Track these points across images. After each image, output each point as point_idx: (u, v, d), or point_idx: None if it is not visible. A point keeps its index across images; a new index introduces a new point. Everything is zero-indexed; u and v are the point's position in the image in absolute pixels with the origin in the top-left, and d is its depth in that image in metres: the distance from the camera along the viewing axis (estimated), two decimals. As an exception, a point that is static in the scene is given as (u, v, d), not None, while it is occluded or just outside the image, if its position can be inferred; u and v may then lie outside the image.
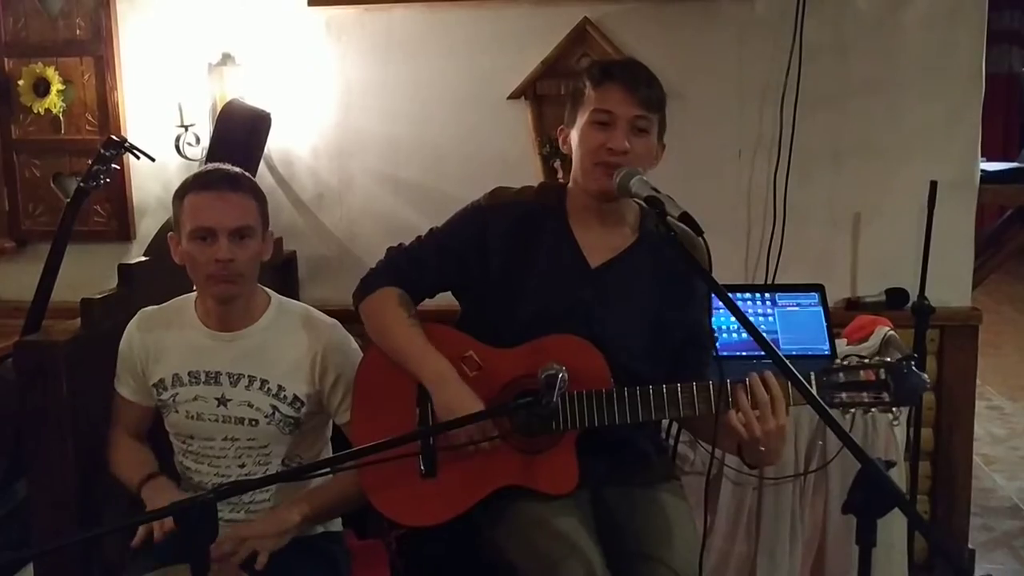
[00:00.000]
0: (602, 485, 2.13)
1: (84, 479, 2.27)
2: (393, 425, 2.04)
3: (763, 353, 1.72)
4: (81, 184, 2.99)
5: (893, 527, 2.76)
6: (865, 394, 1.93)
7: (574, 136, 2.11)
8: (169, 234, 2.18)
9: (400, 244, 2.25)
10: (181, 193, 2.12)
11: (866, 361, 1.94)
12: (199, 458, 2.23)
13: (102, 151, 3.01)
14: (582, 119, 2.08)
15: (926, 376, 1.95)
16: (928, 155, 3.23)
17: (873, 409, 1.94)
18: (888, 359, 1.95)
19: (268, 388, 2.18)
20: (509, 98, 3.34)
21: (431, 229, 2.23)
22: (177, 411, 2.21)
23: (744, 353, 2.85)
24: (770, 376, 1.92)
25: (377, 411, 2.13)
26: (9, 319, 3.08)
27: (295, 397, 2.19)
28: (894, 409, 1.94)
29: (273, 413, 2.18)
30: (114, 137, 3.11)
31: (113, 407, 2.31)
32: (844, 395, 1.93)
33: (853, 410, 1.94)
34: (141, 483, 2.19)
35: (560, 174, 3.22)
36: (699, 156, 3.27)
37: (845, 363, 1.94)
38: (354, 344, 2.28)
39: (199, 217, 2.08)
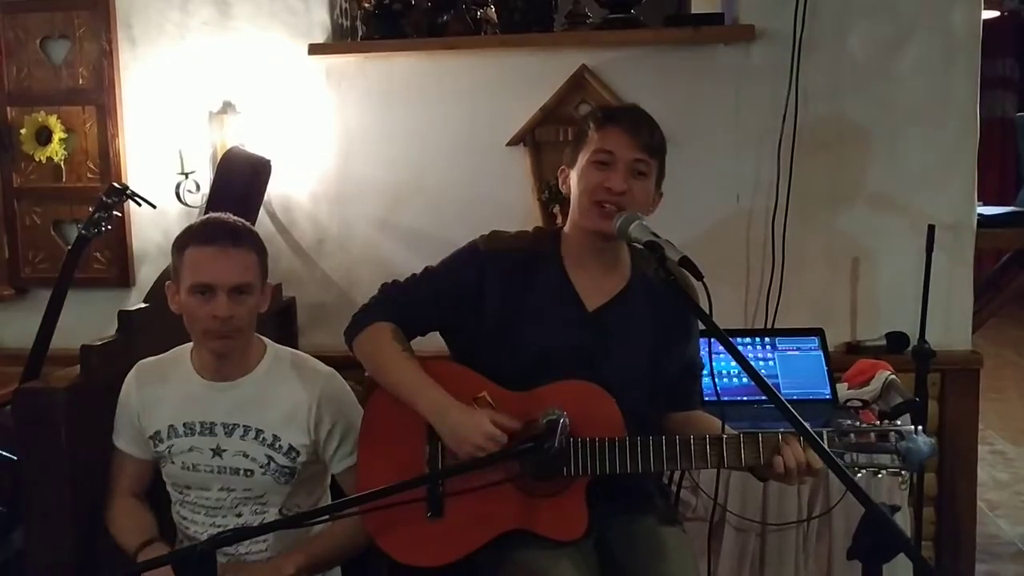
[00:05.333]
0: (606, 528, 2.12)
1: (82, 528, 2.25)
2: (403, 462, 2.05)
3: (765, 398, 1.73)
4: (82, 231, 3.00)
5: (898, 574, 2.73)
6: (874, 457, 1.91)
7: (574, 176, 2.14)
8: (167, 283, 2.16)
9: (395, 280, 2.24)
10: (182, 244, 2.10)
11: (877, 424, 1.94)
12: (195, 509, 2.21)
13: (104, 198, 3.02)
14: (583, 159, 2.11)
15: (933, 441, 1.94)
16: (926, 199, 3.24)
17: (882, 472, 1.93)
18: (899, 423, 1.94)
19: (263, 438, 2.16)
20: (508, 144, 3.37)
21: (426, 268, 2.23)
22: (173, 462, 2.19)
23: (745, 398, 2.85)
24: (796, 449, 1.94)
25: (386, 449, 2.11)
26: (8, 366, 3.08)
27: (290, 447, 2.17)
28: (903, 473, 1.93)
29: (268, 463, 2.16)
30: (116, 184, 3.13)
31: (112, 463, 2.27)
32: (853, 455, 1.92)
33: (860, 472, 1.93)
34: (139, 549, 2.14)
35: (559, 219, 3.23)
36: (698, 201, 3.29)
37: (857, 425, 1.94)
38: (351, 394, 2.27)
39: (199, 273, 2.06)
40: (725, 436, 1.97)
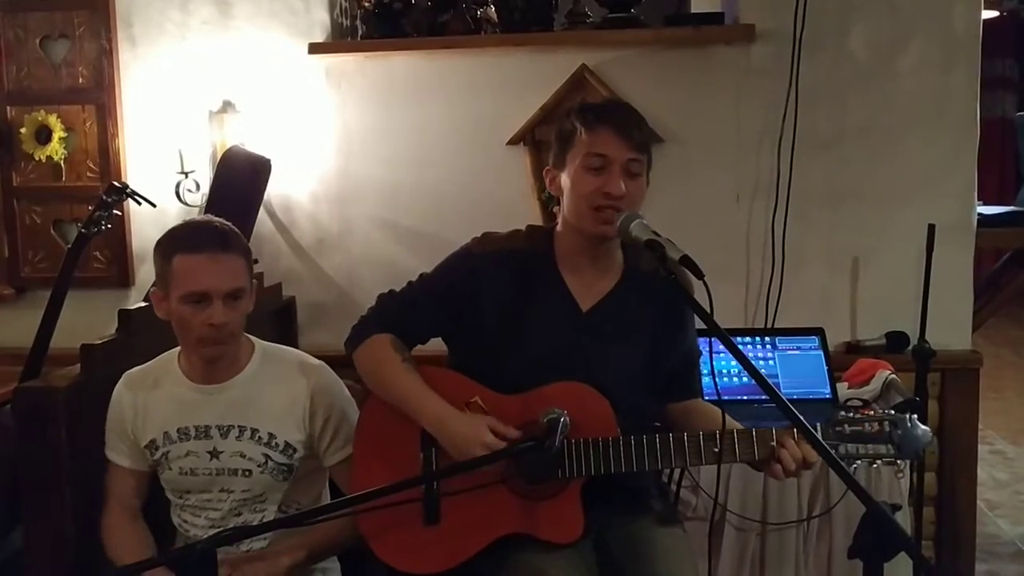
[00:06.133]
0: (604, 530, 2.11)
1: (82, 528, 2.25)
2: (397, 471, 2.02)
3: (765, 397, 1.73)
4: (82, 230, 3.00)
5: (898, 573, 2.72)
6: (870, 446, 1.92)
7: (565, 179, 2.09)
8: (152, 289, 2.13)
9: (391, 290, 2.23)
10: (167, 252, 2.05)
11: (871, 413, 1.94)
12: (195, 512, 2.20)
13: (104, 197, 3.02)
14: (574, 163, 2.06)
15: (930, 430, 1.94)
16: (925, 199, 3.24)
17: (878, 461, 1.93)
18: (892, 411, 1.94)
19: (259, 437, 2.15)
20: (508, 144, 3.37)
21: (421, 275, 2.21)
22: (170, 468, 2.17)
23: (746, 397, 2.85)
24: (794, 449, 1.94)
25: (380, 457, 2.10)
26: (8, 366, 3.07)
27: (287, 444, 2.16)
28: (899, 462, 1.93)
29: (266, 462, 2.15)
30: (116, 183, 3.12)
31: (106, 480, 2.24)
32: (849, 446, 1.92)
33: (857, 462, 1.93)
34: None
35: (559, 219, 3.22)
36: (698, 201, 3.29)
37: (851, 415, 1.94)
38: (343, 385, 2.26)
39: (193, 281, 2.02)
40: (719, 433, 1.96)
